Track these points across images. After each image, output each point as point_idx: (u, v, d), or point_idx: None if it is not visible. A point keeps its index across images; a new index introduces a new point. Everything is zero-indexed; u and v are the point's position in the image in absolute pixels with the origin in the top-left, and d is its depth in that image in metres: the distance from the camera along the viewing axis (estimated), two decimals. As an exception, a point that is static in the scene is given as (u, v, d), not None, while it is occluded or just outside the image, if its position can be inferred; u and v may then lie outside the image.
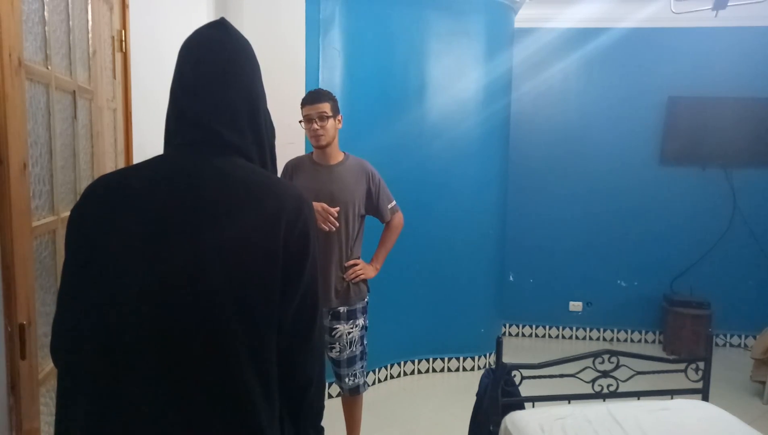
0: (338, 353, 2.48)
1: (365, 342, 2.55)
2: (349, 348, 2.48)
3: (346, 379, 2.51)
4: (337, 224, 2.34)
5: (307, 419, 1.07)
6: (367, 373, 2.91)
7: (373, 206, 2.52)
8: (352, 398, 2.59)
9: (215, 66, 1.02)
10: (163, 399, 0.93)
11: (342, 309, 2.45)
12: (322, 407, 1.11)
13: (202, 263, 0.94)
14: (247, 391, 0.94)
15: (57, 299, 1.00)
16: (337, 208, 2.34)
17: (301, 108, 2.40)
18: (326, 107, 2.36)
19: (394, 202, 2.59)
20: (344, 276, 2.44)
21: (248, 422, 0.95)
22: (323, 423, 1.14)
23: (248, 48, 1.07)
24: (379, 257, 2.59)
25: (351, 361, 2.50)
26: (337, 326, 2.45)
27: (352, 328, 2.47)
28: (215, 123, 1.00)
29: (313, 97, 2.37)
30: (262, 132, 1.07)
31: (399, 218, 2.61)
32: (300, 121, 2.43)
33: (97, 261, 0.95)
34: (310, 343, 1.03)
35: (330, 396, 3.36)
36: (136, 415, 0.93)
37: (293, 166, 2.49)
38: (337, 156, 2.45)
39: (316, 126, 2.34)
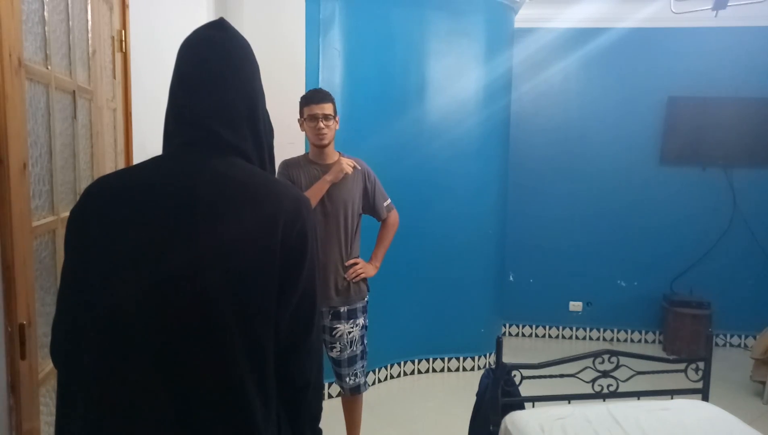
0: (339, 353, 2.48)
1: (365, 341, 2.55)
2: (350, 347, 2.48)
3: (347, 379, 2.51)
4: (352, 162, 2.41)
5: (305, 421, 1.07)
6: (367, 373, 2.91)
7: (370, 205, 2.53)
8: (352, 398, 2.59)
9: (214, 66, 1.01)
10: (161, 400, 0.93)
11: (342, 308, 2.45)
12: (320, 409, 1.11)
13: (200, 264, 0.94)
14: (244, 393, 0.94)
15: (56, 300, 1.00)
16: (353, 161, 2.43)
17: (304, 106, 2.40)
18: (330, 108, 2.38)
19: (389, 200, 2.60)
20: (345, 275, 2.44)
21: (244, 423, 0.95)
22: (323, 423, 1.14)
23: (247, 48, 1.07)
24: (378, 256, 2.60)
25: (351, 361, 2.50)
26: (338, 326, 2.45)
27: (352, 328, 2.47)
28: (214, 123, 1.00)
29: (320, 96, 2.38)
30: (261, 132, 1.07)
31: (395, 216, 2.62)
32: (299, 119, 2.44)
33: (97, 262, 0.95)
34: (308, 344, 1.03)
35: (330, 396, 3.36)
36: (134, 417, 0.93)
37: (290, 165, 2.48)
38: (333, 155, 2.46)
39: (321, 125, 2.35)
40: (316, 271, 1.03)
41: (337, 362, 2.51)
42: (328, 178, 2.36)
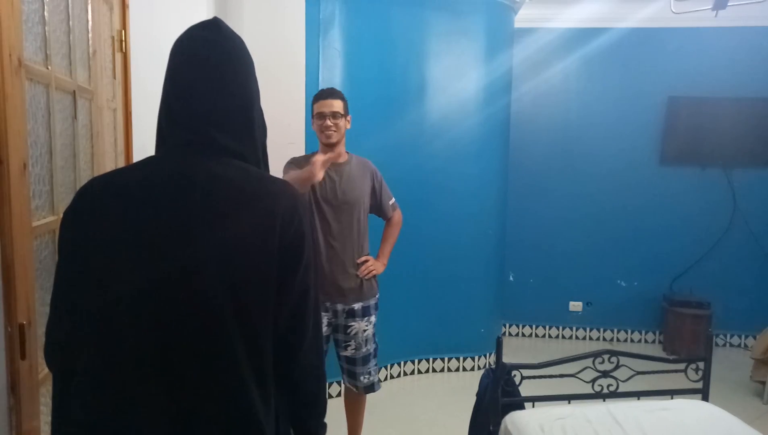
0: (354, 351, 2.47)
1: (376, 339, 2.55)
2: (365, 346, 2.47)
3: (362, 377, 2.50)
4: (327, 157, 2.21)
5: (310, 415, 1.10)
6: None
7: (377, 204, 2.54)
8: (355, 398, 2.59)
9: (209, 69, 1.01)
10: (158, 399, 0.93)
11: (357, 306, 2.44)
12: (325, 402, 1.13)
13: (198, 264, 0.94)
14: (244, 390, 0.95)
15: (50, 302, 1.00)
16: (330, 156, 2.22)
17: (313, 104, 2.40)
18: (339, 106, 2.37)
19: (393, 199, 2.61)
20: (357, 273, 2.44)
21: (245, 419, 0.95)
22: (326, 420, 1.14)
23: (241, 47, 1.06)
24: (385, 253, 2.60)
25: (366, 359, 2.49)
26: (353, 323, 2.44)
27: (367, 325, 2.46)
28: (210, 128, 1.00)
29: (327, 93, 2.38)
30: (256, 133, 1.07)
31: (399, 214, 2.64)
32: (313, 117, 2.43)
33: (92, 263, 0.95)
34: (309, 342, 1.04)
35: (330, 396, 3.36)
36: (132, 417, 0.93)
37: (299, 163, 2.45)
38: (343, 155, 2.45)
39: (329, 123, 2.34)
40: (313, 267, 1.04)
41: (351, 361, 2.49)
42: (305, 175, 2.16)
